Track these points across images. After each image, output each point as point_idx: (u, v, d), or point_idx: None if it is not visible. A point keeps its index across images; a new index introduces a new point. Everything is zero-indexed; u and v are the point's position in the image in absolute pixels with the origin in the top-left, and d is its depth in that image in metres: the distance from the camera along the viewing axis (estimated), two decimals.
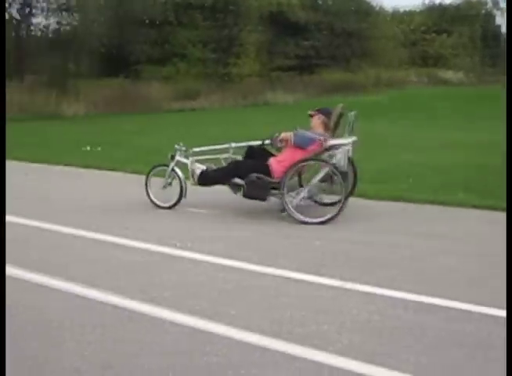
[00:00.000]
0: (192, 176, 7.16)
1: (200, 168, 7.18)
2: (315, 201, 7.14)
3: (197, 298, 4.34)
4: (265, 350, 3.53)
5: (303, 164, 6.67)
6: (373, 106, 22.53)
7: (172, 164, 7.33)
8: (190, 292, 4.49)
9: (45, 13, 28.98)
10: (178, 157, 7.35)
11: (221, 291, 4.50)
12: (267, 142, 7.01)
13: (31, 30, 29.21)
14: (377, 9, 41.33)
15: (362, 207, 7.30)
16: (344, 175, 6.46)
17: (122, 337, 3.71)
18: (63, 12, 29.46)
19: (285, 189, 6.51)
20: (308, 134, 6.79)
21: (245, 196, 6.78)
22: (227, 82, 29.79)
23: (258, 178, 6.59)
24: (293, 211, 6.55)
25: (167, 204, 7.36)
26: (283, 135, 6.82)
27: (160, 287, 4.59)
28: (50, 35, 29.71)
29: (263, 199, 6.74)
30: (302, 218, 6.51)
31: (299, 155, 6.64)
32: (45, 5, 28.94)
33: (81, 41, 26.69)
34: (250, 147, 7.17)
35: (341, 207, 6.48)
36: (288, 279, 4.78)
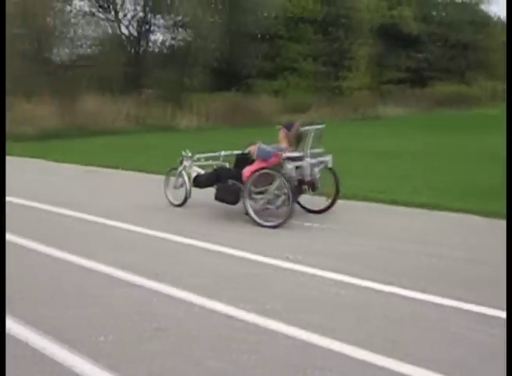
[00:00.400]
0: (189, 178, 8.13)
1: (196, 171, 8.18)
2: (303, 207, 7.87)
3: (310, 312, 4.31)
4: (379, 369, 3.46)
5: (258, 173, 7.16)
6: (488, 120, 21.67)
7: (180, 168, 8.33)
8: (303, 306, 4.47)
9: (162, 30, 30.22)
10: (184, 162, 8.33)
11: (334, 306, 4.46)
12: (246, 152, 7.77)
13: (149, 47, 30.49)
14: (495, 19, 39.85)
15: None
16: (293, 184, 7.05)
17: (236, 347, 3.76)
18: (179, 29, 30.60)
19: (245, 194, 7.18)
20: (268, 149, 7.39)
21: (216, 199, 7.58)
22: (337, 95, 29.74)
23: (233, 184, 7.33)
24: (253, 214, 7.20)
25: (177, 202, 8.35)
26: (250, 148, 7.59)
27: (273, 299, 4.61)
28: (166, 51, 30.90)
29: (233, 203, 7.45)
30: (259, 221, 7.14)
31: (263, 165, 7.25)
32: (162, 22, 30.19)
33: (195, 56, 27.57)
34: (238, 156, 7.94)
35: (289, 214, 6.98)
36: (403, 297, 4.67)
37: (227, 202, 7.52)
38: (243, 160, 7.75)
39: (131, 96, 25.00)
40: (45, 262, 5.68)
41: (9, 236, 6.65)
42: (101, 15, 30.35)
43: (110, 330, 4.00)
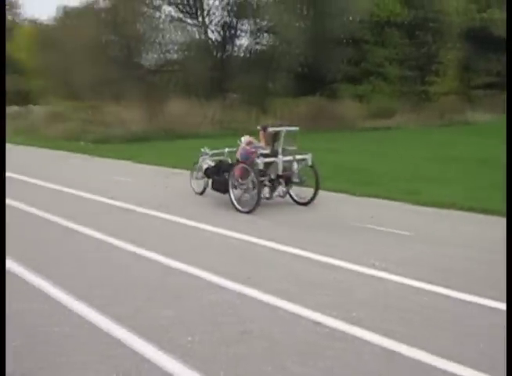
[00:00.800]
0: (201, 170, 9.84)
1: (207, 164, 9.79)
2: (294, 200, 9.15)
3: (396, 321, 4.25)
4: None
5: (238, 168, 8.67)
6: None
7: (200, 162, 9.96)
8: (389, 314, 4.41)
9: (247, 35, 30.51)
10: (203, 157, 9.98)
11: (422, 318, 4.36)
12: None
13: (234, 51, 30.83)
14: None
15: None
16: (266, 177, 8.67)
17: (322, 353, 3.74)
18: (264, 34, 30.81)
19: (230, 184, 8.70)
20: (245, 150, 8.80)
21: (212, 188, 9.32)
22: (424, 101, 29.11)
23: (225, 177, 8.96)
24: (234, 201, 8.63)
25: (199, 191, 9.97)
26: (238, 151, 9.00)
27: (359, 306, 4.57)
28: (250, 56, 31.16)
29: (223, 192, 8.92)
30: (237, 206, 8.54)
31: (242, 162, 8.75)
32: (247, 27, 30.49)
33: (280, 60, 27.67)
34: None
35: (257, 201, 8.31)
36: (494, 309, 4.51)
37: (220, 191, 9.07)
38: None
39: (216, 100, 25.37)
40: (134, 262, 5.85)
41: (99, 235, 6.91)
42: (189, 20, 30.97)
43: (198, 331, 4.07)
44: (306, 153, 9.04)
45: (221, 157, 9.74)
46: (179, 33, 31.13)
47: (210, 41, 30.64)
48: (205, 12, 30.41)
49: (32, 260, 5.89)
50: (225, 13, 30.49)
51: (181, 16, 31.03)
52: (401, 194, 9.49)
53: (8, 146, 22.05)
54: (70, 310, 4.53)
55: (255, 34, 30.40)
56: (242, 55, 31.82)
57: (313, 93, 27.72)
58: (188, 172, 10.79)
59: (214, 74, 28.78)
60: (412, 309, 4.49)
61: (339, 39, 28.99)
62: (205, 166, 9.76)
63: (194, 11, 30.54)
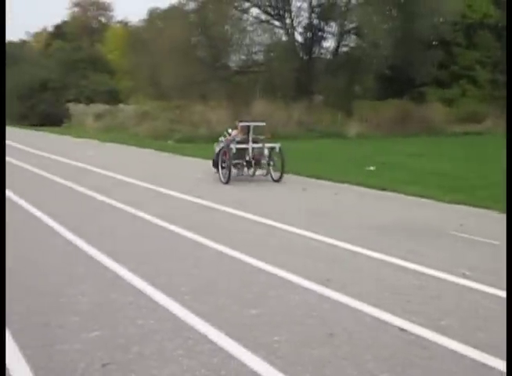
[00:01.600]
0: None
1: (220, 146, 12.08)
2: (272, 178, 11.87)
3: (486, 332, 4.08)
4: None
5: (221, 151, 11.72)
6: None
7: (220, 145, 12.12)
8: (479, 324, 4.24)
9: (334, 37, 30.33)
10: (221, 139, 12.45)
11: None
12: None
13: (320, 53, 30.72)
14: None
15: None
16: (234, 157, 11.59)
17: (409, 362, 3.63)
18: (351, 36, 30.54)
19: (218, 163, 11.76)
20: (226, 140, 12.13)
21: (212, 166, 12.14)
22: None
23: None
24: (221, 175, 11.65)
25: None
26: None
27: (447, 315, 4.42)
28: (337, 58, 30.93)
29: (216, 168, 11.89)
30: (222, 179, 11.61)
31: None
32: (334, 29, 30.32)
33: (367, 63, 27.32)
34: None
35: (229, 175, 11.49)
36: None
37: (215, 168, 11.94)
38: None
39: (301, 102, 25.33)
40: (217, 260, 5.91)
41: (185, 233, 7.02)
42: (275, 22, 31.14)
43: (284, 332, 4.04)
44: (276, 143, 11.99)
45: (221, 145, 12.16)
46: (265, 35, 31.34)
47: (296, 43, 30.66)
48: (292, 14, 30.48)
49: (121, 254, 6.05)
50: (312, 15, 30.44)
51: (268, 18, 31.24)
52: (490, 202, 9.15)
53: (97, 142, 22.89)
54: (156, 304, 4.61)
55: (342, 35, 30.18)
56: (328, 57, 31.68)
57: (399, 96, 27.22)
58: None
59: (300, 76, 28.79)
60: (504, 322, 4.30)
61: (428, 41, 28.35)
62: (217, 149, 12.11)
63: (281, 13, 30.67)
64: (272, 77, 29.21)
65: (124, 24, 71.85)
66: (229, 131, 12.36)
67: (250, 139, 11.76)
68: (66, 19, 79.88)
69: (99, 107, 35.99)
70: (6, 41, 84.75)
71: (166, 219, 7.75)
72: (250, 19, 31.14)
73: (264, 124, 12.61)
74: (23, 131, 31.72)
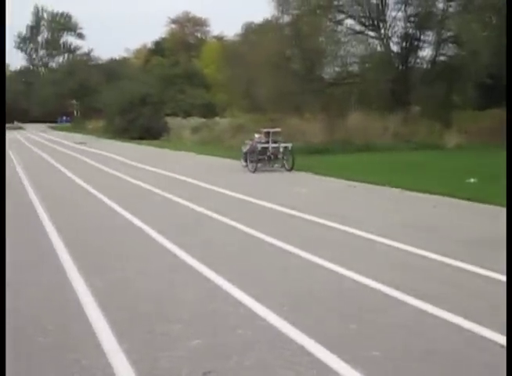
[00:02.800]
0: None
1: (246, 147, 16.53)
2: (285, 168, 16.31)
3: None
4: None
5: (250, 149, 16.28)
6: None
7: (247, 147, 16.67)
8: None
9: (431, 46, 29.68)
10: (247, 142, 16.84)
11: None
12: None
13: (417, 63, 30.14)
14: None
15: None
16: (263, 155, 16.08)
17: None
18: (449, 44, 29.76)
19: (247, 158, 16.38)
20: (253, 141, 16.32)
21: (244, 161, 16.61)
22: None
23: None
24: (250, 167, 16.17)
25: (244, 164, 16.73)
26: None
27: None
28: (432, 67, 30.21)
29: (245, 163, 16.51)
30: (250, 169, 16.15)
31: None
32: (431, 38, 29.67)
33: (466, 72, 26.51)
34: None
35: (256, 166, 15.99)
36: None
37: (245, 162, 16.51)
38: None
39: (397, 113, 24.92)
40: (311, 270, 5.90)
41: (280, 243, 7.05)
42: (370, 33, 30.84)
43: (384, 347, 3.99)
44: (288, 143, 16.39)
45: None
46: (360, 46, 31.10)
47: (391, 53, 30.23)
48: (387, 24, 30.11)
49: (220, 265, 6.17)
50: (408, 24, 29.94)
51: (362, 28, 31.00)
52: None
53: (193, 154, 23.46)
54: (255, 314, 4.66)
55: (439, 44, 29.45)
56: (424, 66, 31.01)
57: (500, 105, 26.21)
58: (367, 185, 10.69)
59: (395, 87, 28.35)
60: None
61: None
62: (244, 149, 16.63)
63: (376, 23, 30.36)
64: (367, 89, 28.92)
65: (220, 39, 73.54)
66: (256, 135, 16.67)
67: (270, 140, 16.17)
68: (164, 35, 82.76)
69: (196, 121, 36.90)
70: (108, 58, 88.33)
71: (261, 230, 7.83)
72: (345, 30, 31.01)
73: (279, 130, 17.17)
74: (124, 144, 32.96)
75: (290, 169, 15.83)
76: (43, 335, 4.34)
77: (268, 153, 16.07)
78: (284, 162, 16.24)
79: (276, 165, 16.28)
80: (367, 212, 9.58)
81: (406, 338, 4.17)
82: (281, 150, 16.15)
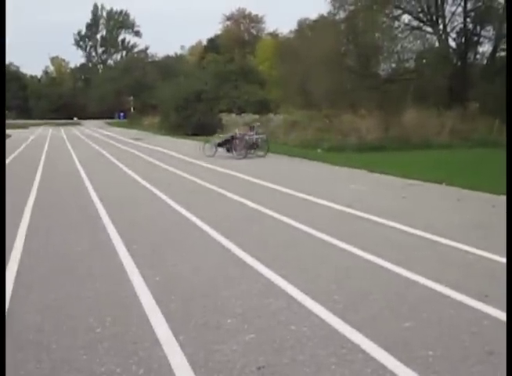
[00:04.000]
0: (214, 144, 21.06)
1: (218, 140, 21.35)
2: (258, 155, 20.55)
3: None
4: None
5: (238, 138, 20.49)
6: None
7: (211, 140, 21.67)
8: None
9: (491, 41, 28.99)
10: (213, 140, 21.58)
11: None
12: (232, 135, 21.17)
13: (476, 59, 29.49)
14: None
15: None
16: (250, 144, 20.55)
17: None
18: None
19: (232, 147, 20.44)
20: (242, 133, 20.72)
21: (226, 150, 20.62)
22: None
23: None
24: (235, 154, 20.06)
25: (210, 154, 20.38)
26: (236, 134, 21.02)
27: None
28: (492, 63, 29.49)
29: (229, 151, 20.37)
30: (236, 156, 19.84)
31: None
32: (491, 33, 28.97)
33: None
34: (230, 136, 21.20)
35: (245, 154, 20.09)
36: None
37: (228, 151, 20.21)
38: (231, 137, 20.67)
39: (455, 110, 24.41)
40: (370, 270, 5.85)
41: (335, 241, 7.02)
42: (428, 28, 30.34)
43: (439, 347, 3.93)
44: (264, 134, 21.28)
45: (226, 137, 20.86)
46: (417, 41, 30.65)
47: (450, 49, 29.66)
48: (445, 20, 29.54)
49: (273, 260, 6.18)
50: (467, 19, 29.32)
51: (419, 24, 30.52)
52: None
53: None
54: (309, 311, 4.66)
55: (499, 39, 28.72)
56: (483, 62, 30.32)
57: None
58: (424, 183, 10.50)
59: (453, 83, 27.81)
60: None
61: None
62: (217, 141, 20.90)
63: (434, 19, 29.83)
64: (424, 85, 28.45)
65: (275, 36, 73.56)
66: (236, 131, 21.24)
67: (254, 133, 20.78)
68: (219, 32, 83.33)
69: (250, 117, 36.98)
70: (164, 55, 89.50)
71: (315, 227, 7.80)
72: (402, 26, 30.61)
73: (259, 124, 24.02)
74: (179, 140, 33.35)
75: (265, 155, 20.31)
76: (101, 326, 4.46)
77: (252, 143, 20.48)
78: (265, 149, 20.61)
79: (253, 151, 20.43)
80: (423, 211, 9.43)
81: (464, 338, 4.09)
82: (259, 140, 20.75)
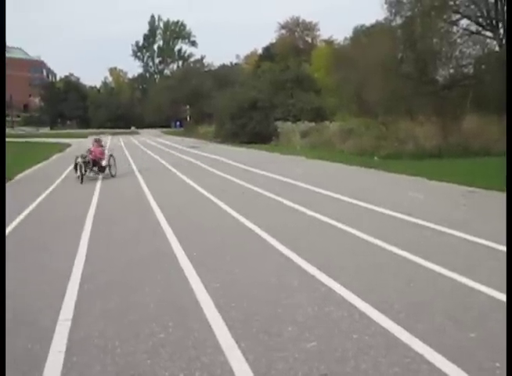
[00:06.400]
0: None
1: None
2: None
3: None
4: None
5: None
6: None
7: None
8: None
9: None
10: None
11: None
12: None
13: None
14: None
15: None
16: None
17: None
18: None
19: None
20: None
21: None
22: None
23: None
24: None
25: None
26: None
27: None
28: None
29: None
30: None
31: None
32: None
33: None
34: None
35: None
36: None
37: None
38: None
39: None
40: (425, 276, 5.77)
41: (396, 250, 6.93)
42: (487, 33, 29.68)
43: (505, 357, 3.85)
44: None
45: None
46: (476, 46, 30.02)
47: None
48: (505, 23, 28.85)
49: (333, 268, 6.16)
50: None
51: (479, 29, 29.89)
52: None
53: (302, 158, 23.52)
54: (370, 319, 4.62)
55: None
56: None
57: None
58: (484, 191, 10.27)
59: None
60: None
61: None
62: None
63: (494, 23, 29.17)
64: (484, 91, 27.82)
65: (330, 43, 73.32)
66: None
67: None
68: (274, 41, 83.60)
69: (306, 125, 36.95)
70: (220, 64, 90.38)
71: (375, 236, 7.74)
72: (460, 31, 30.03)
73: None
74: (235, 148, 33.59)
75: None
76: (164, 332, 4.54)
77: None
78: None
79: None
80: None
81: None
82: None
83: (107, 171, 17.62)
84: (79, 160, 16.85)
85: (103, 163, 17.57)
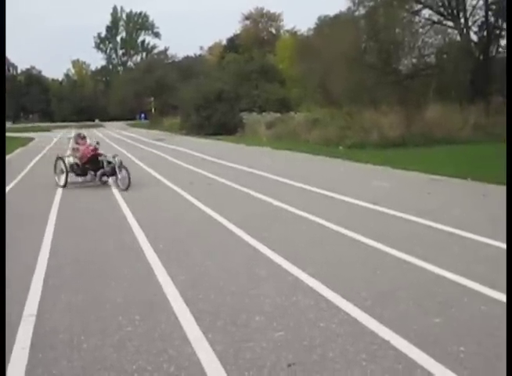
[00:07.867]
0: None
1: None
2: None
3: None
4: None
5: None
6: None
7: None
8: None
9: None
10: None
11: None
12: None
13: (498, 52, 29.15)
14: None
15: None
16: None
17: None
18: None
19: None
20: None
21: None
22: None
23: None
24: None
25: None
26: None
27: None
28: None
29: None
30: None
31: None
32: None
33: None
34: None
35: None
36: None
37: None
38: None
39: (478, 105, 24.18)
40: (396, 266, 5.83)
41: (363, 239, 7.00)
42: (449, 23, 30.05)
43: (471, 343, 3.91)
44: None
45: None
46: (438, 36, 30.38)
47: (472, 43, 29.35)
48: (467, 13, 29.25)
49: (300, 259, 6.19)
50: (489, 13, 28.98)
51: (440, 18, 30.23)
52: None
53: (268, 149, 23.55)
54: (337, 308, 4.66)
55: None
56: (506, 55, 29.94)
57: None
58: (448, 178, 10.40)
59: (475, 77, 27.52)
60: None
61: None
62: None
63: (455, 13, 29.53)
64: (446, 80, 28.19)
65: (294, 33, 73.36)
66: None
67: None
68: (238, 32, 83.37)
69: (271, 116, 36.96)
70: (183, 55, 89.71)
71: (342, 225, 7.79)
72: (422, 21, 30.34)
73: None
74: (200, 140, 33.44)
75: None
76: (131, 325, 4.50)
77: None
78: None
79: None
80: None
81: (498, 334, 4.06)
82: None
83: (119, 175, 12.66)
84: (67, 160, 13.43)
85: (106, 159, 13.19)
